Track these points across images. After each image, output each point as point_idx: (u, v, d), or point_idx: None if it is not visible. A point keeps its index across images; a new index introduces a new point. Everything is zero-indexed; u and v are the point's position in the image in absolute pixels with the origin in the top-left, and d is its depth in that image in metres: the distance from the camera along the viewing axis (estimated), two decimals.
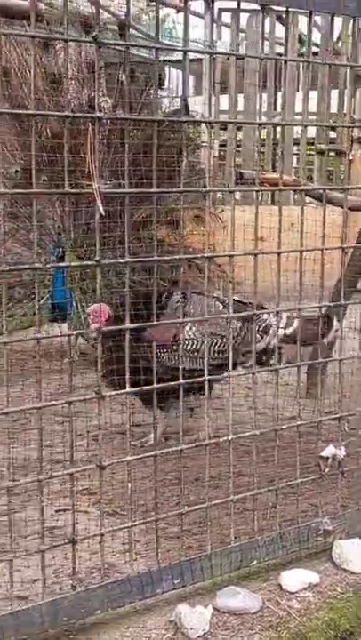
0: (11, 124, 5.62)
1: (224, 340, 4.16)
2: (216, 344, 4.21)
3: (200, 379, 2.72)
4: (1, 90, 5.30)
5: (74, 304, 5.88)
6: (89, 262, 2.49)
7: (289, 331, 4.22)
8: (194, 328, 4.26)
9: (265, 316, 4.19)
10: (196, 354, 4.21)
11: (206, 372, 2.71)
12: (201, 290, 4.44)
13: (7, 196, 4.56)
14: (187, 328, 4.23)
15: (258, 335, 4.25)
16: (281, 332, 4.21)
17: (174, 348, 4.21)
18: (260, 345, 4.25)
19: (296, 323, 4.08)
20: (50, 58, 5.93)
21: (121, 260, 2.42)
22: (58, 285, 5.83)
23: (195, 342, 4.26)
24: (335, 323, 4.17)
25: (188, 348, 4.22)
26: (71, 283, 5.79)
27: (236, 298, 4.24)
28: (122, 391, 2.57)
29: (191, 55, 10.22)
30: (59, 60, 5.99)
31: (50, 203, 6.06)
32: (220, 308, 4.33)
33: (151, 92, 5.91)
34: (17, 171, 5.84)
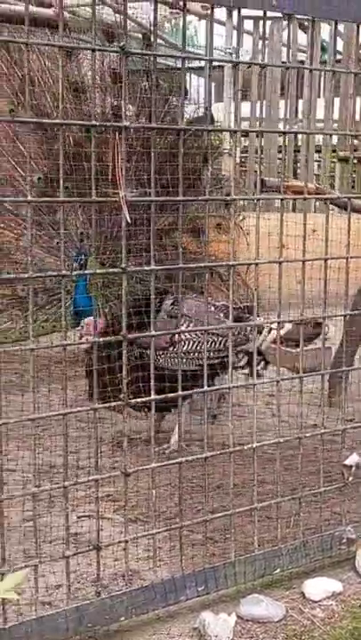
0: (34, 131, 5.66)
1: (219, 339, 4.22)
2: (212, 343, 4.27)
3: (218, 387, 2.72)
4: (27, 98, 5.36)
5: (96, 311, 5.90)
6: (114, 269, 2.50)
7: (282, 332, 4.26)
8: (189, 329, 4.35)
9: (258, 318, 4.23)
10: (192, 354, 4.27)
11: (230, 380, 2.72)
12: (191, 295, 4.54)
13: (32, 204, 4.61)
14: (183, 329, 4.29)
15: (250, 335, 4.31)
16: (274, 333, 4.25)
17: (171, 350, 4.26)
18: (251, 345, 4.31)
19: (288, 325, 4.11)
20: (73, 66, 5.97)
21: (146, 268, 2.44)
22: (80, 292, 5.86)
23: (191, 343, 4.35)
24: (325, 328, 4.24)
25: (185, 348, 4.29)
26: (93, 289, 5.82)
27: (225, 303, 4.43)
28: (147, 398, 2.58)
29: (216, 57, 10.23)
30: (82, 68, 6.02)
31: (73, 210, 6.09)
32: (213, 309, 4.42)
33: (174, 100, 5.93)
34: (40, 178, 5.87)
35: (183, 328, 4.23)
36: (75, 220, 6.16)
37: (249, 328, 4.29)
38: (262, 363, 4.36)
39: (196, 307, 4.44)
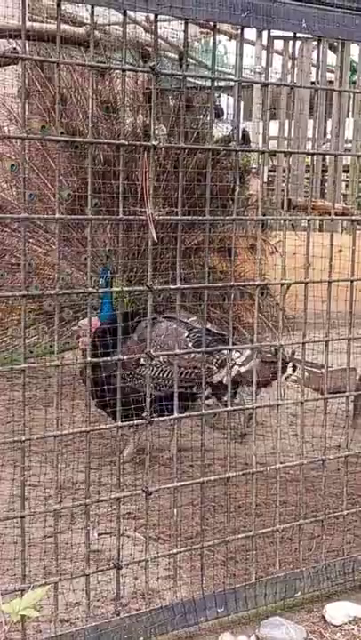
0: (64, 148, 5.69)
1: (180, 370, 4.24)
2: (169, 373, 4.28)
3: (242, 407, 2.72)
4: (57, 116, 5.41)
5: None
6: (140, 287, 2.51)
7: (243, 369, 4.31)
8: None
9: (225, 350, 4.28)
10: (156, 380, 4.29)
11: (254, 400, 2.71)
12: (174, 315, 4.60)
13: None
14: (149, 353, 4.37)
15: (215, 367, 4.33)
16: (236, 368, 4.29)
17: (136, 371, 4.33)
18: (216, 377, 4.30)
19: (253, 362, 4.17)
20: (106, 84, 6.00)
21: (172, 287, 2.44)
22: (106, 309, 5.86)
23: (155, 369, 4.33)
24: (289, 369, 4.29)
25: (150, 373, 4.33)
26: (119, 307, 5.82)
27: (208, 327, 4.41)
28: (170, 417, 2.58)
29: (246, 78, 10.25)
30: (114, 86, 6.04)
31: (101, 226, 6.11)
32: (184, 336, 4.40)
33: (206, 120, 5.95)
34: (69, 194, 5.90)
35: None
36: (103, 237, 6.17)
37: (215, 360, 4.32)
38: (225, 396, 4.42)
39: (167, 332, 4.44)
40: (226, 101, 11.63)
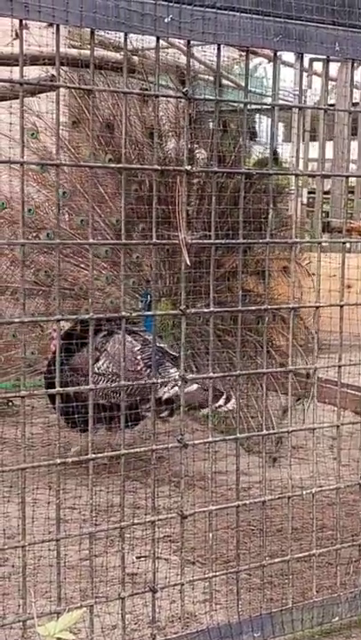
0: (112, 174, 5.75)
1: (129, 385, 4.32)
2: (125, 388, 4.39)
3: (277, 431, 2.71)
4: (104, 142, 5.49)
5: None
6: (173, 312, 2.53)
7: (166, 395, 4.46)
8: (104, 365, 4.53)
9: (171, 369, 4.52)
10: (104, 391, 4.41)
11: (290, 424, 2.70)
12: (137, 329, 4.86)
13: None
14: (98, 364, 4.53)
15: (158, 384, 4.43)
16: (176, 389, 4.38)
17: (88, 378, 4.43)
18: (158, 394, 4.43)
19: (176, 389, 4.31)
20: (149, 110, 6.04)
21: (206, 310, 2.45)
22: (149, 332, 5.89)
23: (103, 378, 4.51)
24: (222, 400, 4.44)
25: (98, 381, 4.48)
26: (163, 329, 5.84)
27: (162, 345, 4.72)
28: (205, 440, 2.58)
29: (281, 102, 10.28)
30: (158, 112, 6.09)
31: (147, 251, 6.15)
32: (136, 349, 4.59)
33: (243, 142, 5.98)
34: (118, 220, 5.95)
35: (100, 364, 4.52)
36: (149, 261, 6.20)
37: (160, 377, 4.43)
38: (166, 412, 4.53)
39: (120, 345, 4.55)
40: (266, 124, 11.70)
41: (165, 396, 4.50)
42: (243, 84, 10.75)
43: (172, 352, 4.69)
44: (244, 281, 5.32)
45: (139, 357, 4.56)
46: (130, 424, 4.63)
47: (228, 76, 11.24)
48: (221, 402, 4.46)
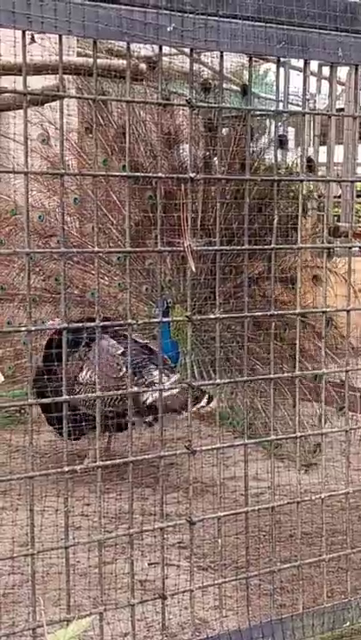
0: (123, 181, 5.78)
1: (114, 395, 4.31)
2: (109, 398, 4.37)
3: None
4: (117, 149, 5.53)
5: (181, 357, 5.92)
6: (180, 318, 2.53)
7: (150, 400, 4.46)
8: (87, 375, 4.59)
9: (155, 372, 4.50)
10: (88, 402, 4.36)
11: (297, 430, 2.70)
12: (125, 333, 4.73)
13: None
14: (82, 374, 4.59)
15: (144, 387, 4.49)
16: (144, 397, 4.45)
17: (73, 388, 4.53)
18: (142, 398, 4.46)
19: (155, 395, 4.32)
20: (166, 117, 6.05)
21: (211, 316, 2.45)
22: (165, 338, 5.89)
23: (86, 388, 4.55)
24: (203, 401, 4.45)
25: (82, 391, 4.53)
26: (179, 335, 5.84)
27: (148, 342, 4.79)
28: (213, 446, 2.58)
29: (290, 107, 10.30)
30: (175, 119, 6.10)
31: (161, 258, 6.15)
32: (118, 353, 4.60)
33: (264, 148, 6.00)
34: (130, 227, 5.97)
35: (83, 374, 4.58)
36: (163, 267, 6.21)
37: (143, 381, 4.50)
38: (150, 416, 4.53)
39: (103, 350, 4.60)
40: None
41: (149, 401, 4.50)
42: (255, 92, 10.75)
43: (151, 349, 4.73)
44: (268, 288, 5.32)
45: (121, 362, 4.56)
46: (113, 432, 4.71)
47: (239, 82, 11.26)
48: (203, 403, 4.48)
